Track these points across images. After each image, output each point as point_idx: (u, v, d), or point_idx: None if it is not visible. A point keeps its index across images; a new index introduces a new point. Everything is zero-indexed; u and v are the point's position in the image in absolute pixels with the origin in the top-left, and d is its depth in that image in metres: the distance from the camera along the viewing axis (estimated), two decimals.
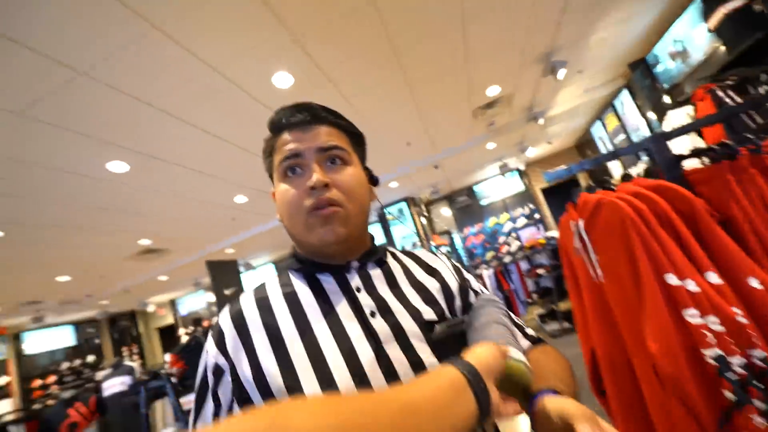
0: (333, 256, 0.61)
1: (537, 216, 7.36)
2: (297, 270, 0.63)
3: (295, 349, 0.53)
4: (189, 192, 3.88)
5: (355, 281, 0.61)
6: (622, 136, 5.30)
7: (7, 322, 7.01)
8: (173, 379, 2.06)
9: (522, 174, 7.69)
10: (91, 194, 3.28)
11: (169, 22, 1.86)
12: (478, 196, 7.88)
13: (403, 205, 7.09)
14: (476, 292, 0.70)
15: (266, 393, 0.51)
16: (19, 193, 2.92)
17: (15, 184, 2.79)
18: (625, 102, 4.87)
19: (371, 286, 0.61)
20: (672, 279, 0.82)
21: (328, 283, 0.61)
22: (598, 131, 6.16)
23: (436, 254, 0.74)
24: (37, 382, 7.66)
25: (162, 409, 2.66)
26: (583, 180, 7.58)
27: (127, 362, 3.42)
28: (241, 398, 0.52)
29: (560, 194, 7.25)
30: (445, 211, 8.37)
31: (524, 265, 5.36)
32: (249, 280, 9.13)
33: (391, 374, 0.52)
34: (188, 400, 2.18)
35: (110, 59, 1.96)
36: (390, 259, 0.68)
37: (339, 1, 2.08)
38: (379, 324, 0.56)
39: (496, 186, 7.80)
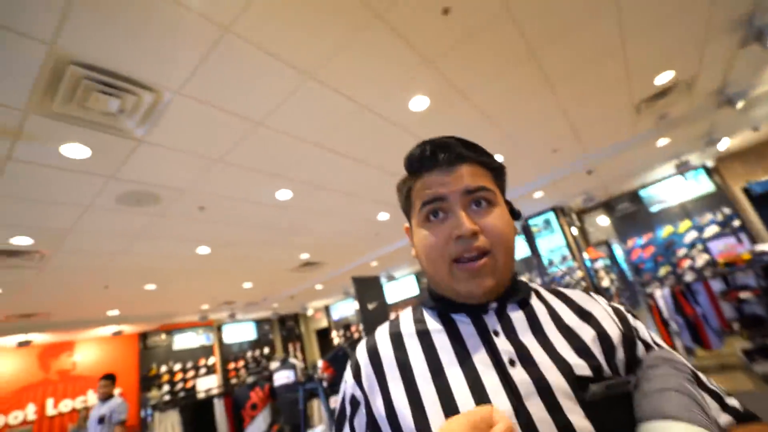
0: (464, 300, 0.56)
1: (736, 223, 5.75)
2: (431, 308, 0.61)
3: (427, 392, 0.51)
4: (338, 211, 4.33)
5: (493, 324, 0.55)
6: None
7: (212, 316, 9.02)
8: (324, 384, 2.30)
9: (711, 172, 6.14)
10: (264, 218, 3.97)
11: (319, 71, 2.12)
12: (646, 201, 6.61)
13: (550, 215, 6.45)
14: (648, 345, 0.56)
15: (396, 430, 0.51)
16: (218, 219, 3.74)
17: (216, 212, 3.58)
18: None
19: (511, 329, 0.55)
20: None
21: (464, 324, 0.57)
22: None
23: (591, 296, 0.62)
24: (231, 365, 9.69)
25: (318, 405, 2.98)
26: None
27: (292, 359, 4.00)
28: (374, 430, 0.54)
29: None
30: (602, 220, 7.29)
31: (717, 286, 4.22)
32: (391, 291, 9.66)
33: None
34: (335, 400, 2.41)
35: (277, 110, 2.35)
36: (534, 300, 0.60)
37: (468, 16, 2.04)
38: (519, 375, 0.50)
39: (671, 189, 6.41)
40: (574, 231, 6.59)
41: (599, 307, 0.59)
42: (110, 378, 3.68)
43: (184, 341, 9.27)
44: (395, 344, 0.58)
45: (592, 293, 0.63)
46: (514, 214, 0.62)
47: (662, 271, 6.25)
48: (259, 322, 10.98)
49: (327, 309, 11.44)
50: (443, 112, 2.87)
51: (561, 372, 0.49)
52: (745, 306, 3.87)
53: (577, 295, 0.62)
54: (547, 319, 0.57)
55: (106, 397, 3.61)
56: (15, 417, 6.80)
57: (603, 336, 0.54)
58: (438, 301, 0.60)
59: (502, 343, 0.53)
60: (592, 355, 0.51)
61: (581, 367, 0.50)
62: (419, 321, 0.61)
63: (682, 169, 5.56)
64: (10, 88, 1.71)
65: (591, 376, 0.49)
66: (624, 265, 7.26)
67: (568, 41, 2.45)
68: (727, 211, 5.83)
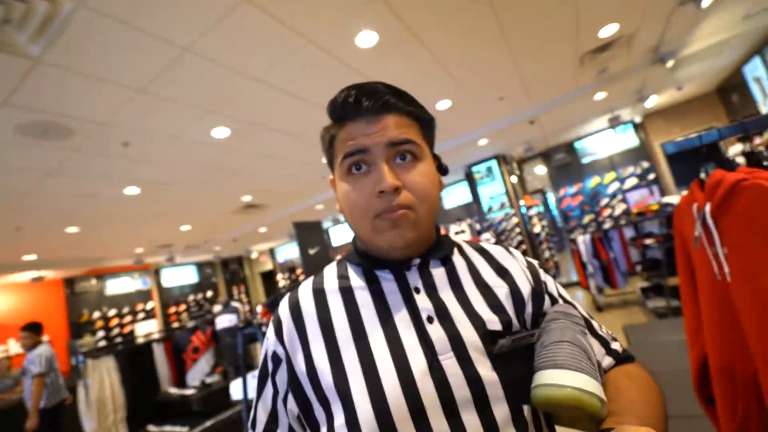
0: (396, 255, 0.56)
1: (652, 176, 6.37)
2: (357, 264, 0.60)
3: (347, 351, 0.52)
4: (281, 153, 4.13)
5: (415, 281, 0.56)
6: None
7: (149, 259, 8.60)
8: (263, 328, 2.33)
9: (638, 127, 6.63)
10: (200, 157, 3.69)
11: None
12: (580, 153, 7.05)
13: (493, 162, 6.69)
14: (553, 299, 0.61)
15: (317, 387, 0.51)
16: (147, 158, 3.41)
17: (144, 150, 3.25)
18: None
19: (432, 286, 0.56)
20: None
21: (387, 281, 0.57)
22: (754, 70, 4.91)
23: (510, 252, 0.65)
24: (172, 309, 9.51)
25: (259, 348, 3.06)
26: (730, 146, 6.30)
27: (234, 303, 3.98)
28: (296, 388, 0.53)
29: (690, 158, 6.08)
30: (539, 170, 7.72)
31: (629, 233, 4.75)
32: (337, 234, 9.73)
33: (443, 387, 0.48)
34: None
35: (208, 35, 2.08)
36: (456, 256, 0.61)
37: None
38: (435, 332, 0.51)
39: (602, 142, 6.87)
40: (514, 179, 6.92)
41: (516, 264, 0.62)
42: (30, 328, 3.43)
43: (118, 286, 8.82)
44: (317, 301, 0.57)
45: (511, 249, 0.66)
46: (441, 170, 0.61)
47: (586, 219, 6.87)
48: (201, 266, 10.69)
49: (272, 252, 11.34)
50: (392, 51, 2.73)
51: (474, 327, 0.51)
52: (648, 251, 4.42)
53: (497, 252, 0.64)
54: (466, 276, 0.58)
55: (29, 348, 3.39)
56: None
57: (516, 292, 0.57)
58: (363, 257, 0.59)
59: (422, 301, 0.54)
60: (504, 310, 0.54)
61: (493, 323, 0.52)
62: (343, 277, 0.60)
63: (614, 123, 5.92)
64: None
65: (501, 331, 0.52)
66: (555, 213, 7.88)
67: None
68: (645, 164, 6.41)
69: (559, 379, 0.43)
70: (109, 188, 3.94)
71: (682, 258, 1.00)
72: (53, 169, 3.21)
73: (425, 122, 0.58)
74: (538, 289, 0.60)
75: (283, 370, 0.55)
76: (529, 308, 0.57)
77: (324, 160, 0.62)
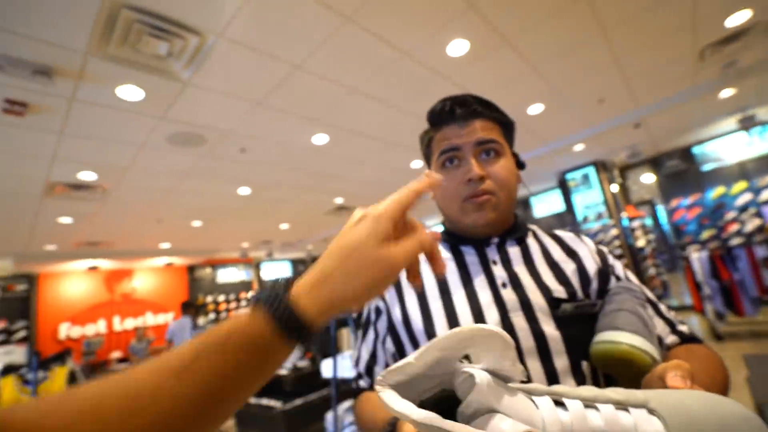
0: (479, 234, 0.67)
1: None
2: (445, 241, 0.73)
3: (434, 305, 0.64)
4: (373, 158, 4.40)
5: (493, 255, 0.67)
6: None
7: (252, 254, 9.66)
8: (353, 315, 2.52)
9: None
10: (301, 161, 4.11)
11: (357, 14, 2.09)
12: (699, 159, 6.17)
13: (590, 169, 6.21)
14: (618, 278, 0.67)
15: (410, 332, 0.65)
16: (258, 160, 3.92)
17: (256, 154, 3.75)
18: None
19: (507, 260, 0.66)
20: None
21: (470, 255, 0.69)
22: None
23: (581, 237, 0.73)
24: None
25: (347, 334, 3.29)
26: None
27: None
28: (393, 333, 0.68)
29: None
30: (646, 178, 6.94)
31: (762, 252, 4.05)
32: None
33: (512, 337, 0.56)
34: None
35: (315, 53, 2.36)
36: (530, 239, 0.72)
37: None
38: (508, 294, 0.61)
39: (729, 146, 5.93)
40: (615, 188, 6.34)
41: (584, 248, 0.70)
42: (183, 305, 4.55)
43: (226, 275, 10.08)
44: None
45: (582, 236, 0.74)
46: (519, 165, 0.72)
47: (705, 234, 5.98)
48: (295, 262, 11.66)
49: None
50: (483, 58, 2.76)
51: (542, 294, 0.61)
52: None
53: (567, 236, 0.73)
54: (538, 255, 0.68)
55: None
56: (90, 329, 7.88)
57: (582, 271, 0.66)
58: (450, 236, 0.72)
59: (498, 270, 0.65)
60: (570, 284, 0.63)
61: (559, 292, 0.62)
62: None
63: (747, 124, 5.10)
64: (72, 31, 1.84)
65: (565, 299, 0.61)
66: (666, 226, 6.99)
67: None
68: None
69: (615, 337, 0.50)
70: (227, 188, 4.60)
71: None
72: (188, 171, 3.87)
73: (506, 125, 0.70)
74: (605, 270, 0.67)
75: (383, 319, 0.70)
76: (594, 285, 0.65)
77: (421, 163, 0.76)
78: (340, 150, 4.00)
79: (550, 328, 0.58)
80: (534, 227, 0.76)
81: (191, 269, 9.53)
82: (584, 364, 0.57)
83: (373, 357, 0.71)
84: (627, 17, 2.59)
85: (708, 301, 4.24)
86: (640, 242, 6.05)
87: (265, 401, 3.91)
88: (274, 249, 9.45)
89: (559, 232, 0.75)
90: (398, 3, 2.09)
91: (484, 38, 2.53)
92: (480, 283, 0.64)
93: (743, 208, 5.69)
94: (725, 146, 5.96)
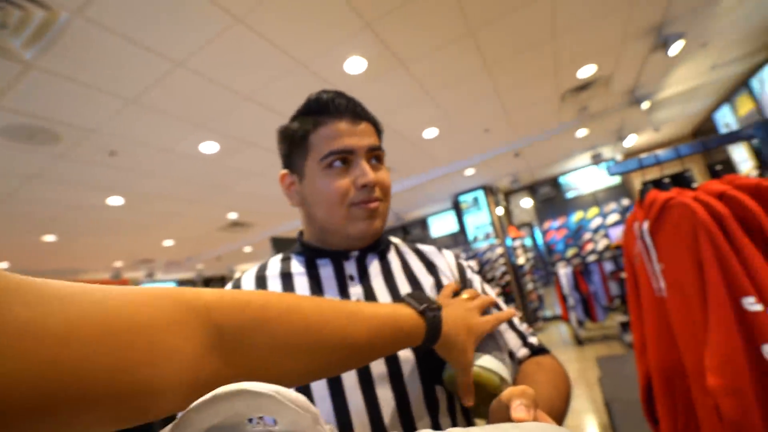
0: (342, 246, 0.62)
1: None
2: (300, 254, 0.65)
3: None
4: (270, 171, 4.18)
5: (350, 269, 0.62)
6: None
7: (127, 274, 8.41)
8: None
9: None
10: (187, 170, 3.72)
11: (249, 15, 1.97)
12: (564, 187, 7.24)
13: (480, 193, 6.82)
14: None
15: None
16: (133, 167, 3.43)
17: (131, 160, 3.28)
18: None
19: (365, 275, 0.62)
20: (751, 304, 0.66)
21: (325, 268, 0.62)
22: (724, 117, 5.18)
23: (441, 251, 0.72)
24: None
25: None
26: (699, 173, 6.53)
27: None
28: None
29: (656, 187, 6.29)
30: (525, 203, 7.88)
31: (609, 267, 4.82)
32: None
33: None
34: None
35: (201, 52, 2.16)
36: (391, 252, 0.68)
37: None
38: None
39: (585, 178, 7.08)
40: (500, 210, 7.05)
41: (444, 261, 0.69)
42: None
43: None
44: (258, 285, 0.62)
45: (443, 249, 0.73)
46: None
47: (570, 252, 6.97)
48: (182, 284, 10.47)
49: None
50: (380, 78, 2.84)
51: None
52: (625, 283, 4.48)
53: (428, 250, 0.71)
54: (398, 269, 0.65)
55: None
56: None
57: (441, 285, 0.64)
58: (306, 248, 0.65)
59: (354, 287, 0.60)
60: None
61: None
62: (285, 266, 0.65)
63: (596, 160, 6.14)
64: None
65: None
66: (541, 246, 7.98)
67: (505, 25, 2.53)
68: (626, 202, 6.60)
69: None
70: (92, 197, 3.92)
71: (630, 277, 1.04)
72: (35, 174, 3.20)
73: (381, 133, 0.67)
74: (462, 285, 0.67)
75: None
76: None
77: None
78: (233, 161, 3.72)
79: (404, 351, 0.54)
80: (396, 240, 0.73)
81: None
82: (438, 389, 0.54)
83: None
84: (503, 57, 2.92)
85: (572, 310, 4.89)
86: (521, 260, 6.78)
87: None
88: (157, 269, 8.35)
89: (420, 246, 0.72)
90: (294, 11, 2.03)
91: (381, 58, 2.61)
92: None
93: (596, 230, 6.80)
94: (582, 177, 7.10)
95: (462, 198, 6.99)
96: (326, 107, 0.59)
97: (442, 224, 8.07)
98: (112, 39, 1.94)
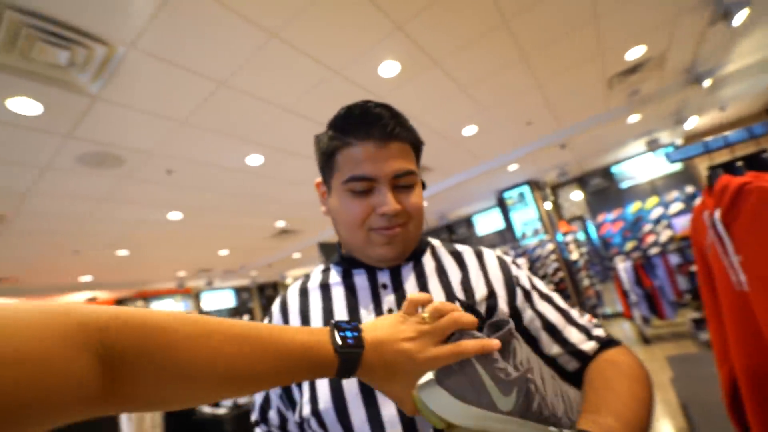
0: (371, 262, 0.63)
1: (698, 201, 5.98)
2: (337, 264, 0.68)
3: None
4: (310, 179, 4.30)
5: (384, 278, 0.63)
6: None
7: (190, 283, 8.99)
8: None
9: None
10: (236, 183, 3.92)
11: (282, 30, 2.05)
12: (617, 177, 6.79)
13: (525, 188, 6.57)
14: (526, 291, 0.63)
15: None
16: (188, 184, 3.67)
17: (185, 177, 3.51)
18: None
19: (398, 283, 0.62)
20: None
21: (360, 277, 0.64)
22: None
23: (482, 251, 0.69)
24: None
25: None
26: None
27: None
28: None
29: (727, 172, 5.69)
30: (575, 195, 7.48)
31: (675, 259, 4.45)
32: None
33: None
34: None
35: (240, 70, 2.27)
36: (427, 255, 0.67)
37: None
38: None
39: (641, 166, 6.59)
40: (548, 205, 6.75)
41: (485, 261, 0.67)
42: None
43: (162, 308, 9.25)
44: (301, 297, 0.67)
45: (483, 248, 0.70)
46: (423, 185, 0.67)
47: (629, 245, 6.51)
48: (239, 290, 11.02)
49: None
50: (415, 79, 2.83)
51: None
52: (695, 277, 4.10)
53: (466, 251, 0.69)
54: (432, 274, 0.64)
55: None
56: None
57: (469, 285, 0.62)
58: (344, 260, 0.67)
59: (387, 295, 0.61)
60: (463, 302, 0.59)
61: None
62: (325, 277, 0.68)
63: (653, 146, 5.71)
64: None
65: None
66: (595, 240, 7.53)
67: (540, 10, 2.42)
68: (690, 189, 6.05)
69: (421, 386, 0.42)
70: (155, 213, 4.24)
71: (702, 270, 0.95)
72: (106, 195, 3.52)
73: (418, 147, 0.64)
74: (509, 283, 0.63)
75: None
76: (498, 298, 0.62)
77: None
78: (277, 171, 3.87)
79: None
80: (435, 242, 0.71)
81: (120, 303, 8.59)
82: None
83: (266, 401, 0.64)
84: (540, 45, 2.79)
85: (635, 307, 4.55)
86: (574, 255, 6.44)
87: None
88: (215, 277, 8.86)
89: (458, 247, 0.70)
90: (325, 20, 2.08)
91: (414, 59, 2.59)
92: (366, 308, 0.61)
93: (657, 221, 6.30)
94: (637, 166, 6.62)
95: (506, 194, 6.78)
96: (353, 127, 0.58)
97: (488, 222, 7.87)
98: (162, 66, 2.09)
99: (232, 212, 4.79)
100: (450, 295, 0.60)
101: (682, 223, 6.03)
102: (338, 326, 0.42)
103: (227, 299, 10.64)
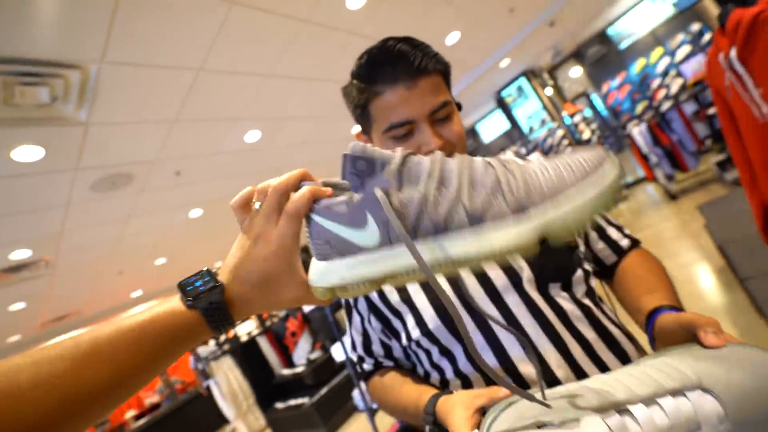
0: None
1: (708, 37, 5.62)
2: None
3: None
4: (313, 138, 4.27)
5: None
6: None
7: None
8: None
9: None
10: (241, 164, 3.94)
11: None
12: (615, 39, 6.39)
13: (522, 81, 6.32)
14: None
15: (389, 306, 0.65)
16: (198, 178, 3.72)
17: (193, 173, 3.55)
18: None
19: None
20: None
21: None
22: None
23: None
24: None
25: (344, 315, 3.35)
26: None
27: None
28: (374, 310, 0.68)
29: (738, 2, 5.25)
30: (574, 72, 7.15)
31: (690, 108, 4.33)
32: None
33: (485, 280, 0.59)
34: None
35: (213, 49, 2.19)
36: None
37: None
38: None
39: (638, 18, 6.14)
40: (549, 91, 6.52)
41: None
42: None
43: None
44: None
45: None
46: (459, 106, 0.68)
47: (639, 107, 6.31)
48: None
49: None
50: (384, 2, 2.66)
51: None
52: (715, 121, 4.01)
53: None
54: None
55: None
56: None
57: None
58: None
59: None
60: None
61: None
62: None
63: None
64: None
65: None
66: (604, 112, 7.32)
67: None
68: (696, 26, 5.67)
69: None
70: (177, 216, 4.37)
71: (724, 112, 0.97)
72: (128, 213, 3.64)
73: (447, 72, 0.64)
74: None
75: (361, 300, 0.70)
76: None
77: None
78: (278, 140, 3.85)
79: (520, 261, 0.60)
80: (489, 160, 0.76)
81: None
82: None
83: (366, 337, 0.71)
84: None
85: (656, 168, 4.55)
86: (586, 134, 6.33)
87: (293, 401, 3.97)
88: None
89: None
90: None
91: None
92: None
93: (665, 73, 6.02)
94: (634, 19, 6.17)
95: (504, 92, 6.55)
96: (379, 74, 0.57)
97: (492, 126, 7.70)
98: (137, 71, 2.05)
99: None
100: None
101: (693, 67, 5.75)
102: (184, 283, 0.37)
103: None
